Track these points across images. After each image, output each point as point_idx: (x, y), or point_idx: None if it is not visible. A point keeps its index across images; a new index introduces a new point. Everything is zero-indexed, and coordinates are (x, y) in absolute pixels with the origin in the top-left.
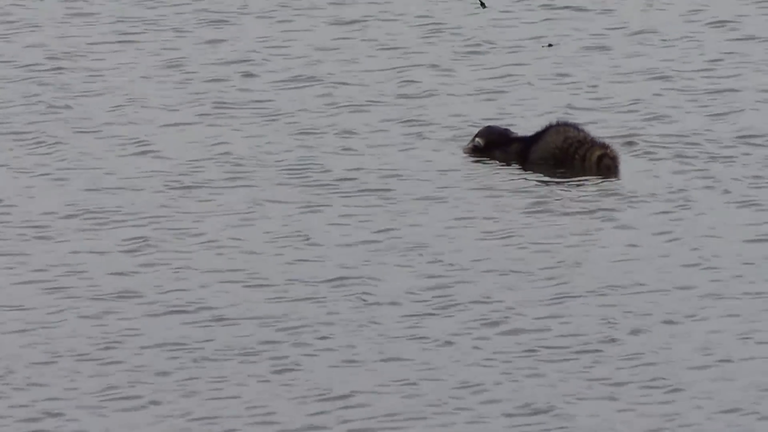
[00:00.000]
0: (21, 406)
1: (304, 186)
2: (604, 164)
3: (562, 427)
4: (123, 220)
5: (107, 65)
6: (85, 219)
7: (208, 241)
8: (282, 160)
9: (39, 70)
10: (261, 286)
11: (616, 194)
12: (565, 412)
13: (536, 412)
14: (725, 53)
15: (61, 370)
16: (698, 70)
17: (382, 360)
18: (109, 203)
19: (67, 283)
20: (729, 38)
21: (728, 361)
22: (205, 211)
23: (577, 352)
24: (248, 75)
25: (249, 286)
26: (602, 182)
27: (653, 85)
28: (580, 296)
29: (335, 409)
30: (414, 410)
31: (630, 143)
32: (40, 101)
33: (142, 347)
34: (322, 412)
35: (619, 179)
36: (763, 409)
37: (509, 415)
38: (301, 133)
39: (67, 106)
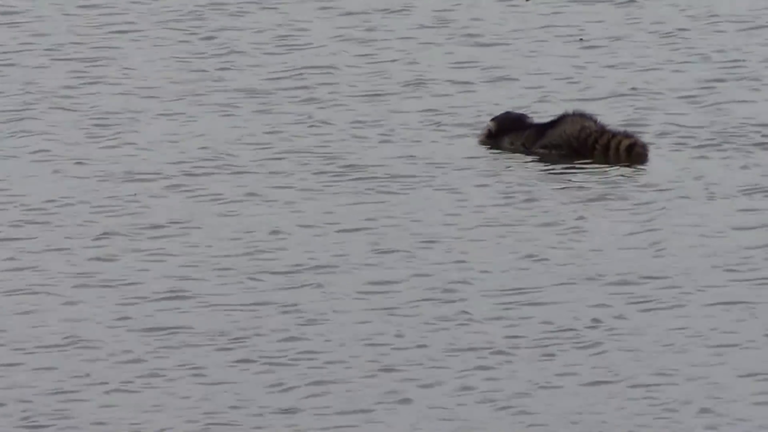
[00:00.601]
0: (6, 388)
1: (314, 174)
2: (636, 152)
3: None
4: (122, 208)
5: (105, 55)
6: (76, 206)
7: (207, 228)
8: (292, 149)
9: (37, 60)
10: (257, 272)
11: (633, 183)
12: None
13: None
14: (744, 45)
15: (42, 355)
16: (721, 61)
17: (364, 345)
18: (119, 190)
19: (54, 268)
20: (747, 28)
21: (733, 346)
22: (204, 199)
23: (592, 340)
24: (257, 65)
25: (244, 274)
26: (618, 170)
27: (672, 75)
28: (597, 283)
29: (310, 397)
30: (395, 399)
31: (649, 133)
32: (34, 90)
33: (131, 330)
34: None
35: (642, 168)
36: None
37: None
38: (312, 123)
39: (64, 96)
